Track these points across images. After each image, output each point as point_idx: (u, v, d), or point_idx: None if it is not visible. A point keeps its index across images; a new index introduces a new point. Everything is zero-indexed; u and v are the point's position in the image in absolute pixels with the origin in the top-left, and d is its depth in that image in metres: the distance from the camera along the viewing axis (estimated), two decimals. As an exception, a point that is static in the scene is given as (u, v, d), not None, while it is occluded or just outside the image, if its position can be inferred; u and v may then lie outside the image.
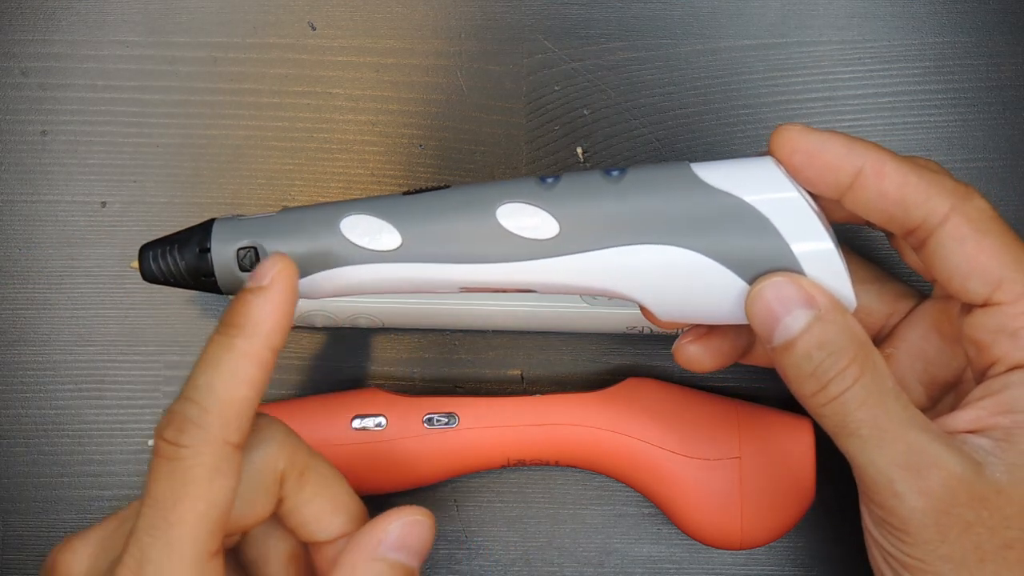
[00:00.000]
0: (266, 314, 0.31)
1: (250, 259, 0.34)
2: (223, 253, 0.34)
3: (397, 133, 0.44)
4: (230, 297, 0.35)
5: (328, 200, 0.44)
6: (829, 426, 0.32)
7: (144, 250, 0.35)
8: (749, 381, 0.44)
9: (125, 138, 0.44)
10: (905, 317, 0.37)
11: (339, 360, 0.44)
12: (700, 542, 0.41)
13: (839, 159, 0.32)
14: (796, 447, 0.40)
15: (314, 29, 0.45)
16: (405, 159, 0.44)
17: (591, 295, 0.35)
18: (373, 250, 0.34)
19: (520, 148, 0.44)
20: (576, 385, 0.44)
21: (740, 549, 0.40)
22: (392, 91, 0.44)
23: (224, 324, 0.31)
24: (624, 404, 0.41)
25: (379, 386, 0.43)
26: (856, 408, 0.31)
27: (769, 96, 0.44)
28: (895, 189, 0.32)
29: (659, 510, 0.42)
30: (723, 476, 0.40)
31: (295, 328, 0.43)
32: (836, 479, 0.43)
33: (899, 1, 0.44)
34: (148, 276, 0.35)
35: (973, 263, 0.31)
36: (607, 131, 0.44)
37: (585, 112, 0.44)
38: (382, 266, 0.34)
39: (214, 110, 0.44)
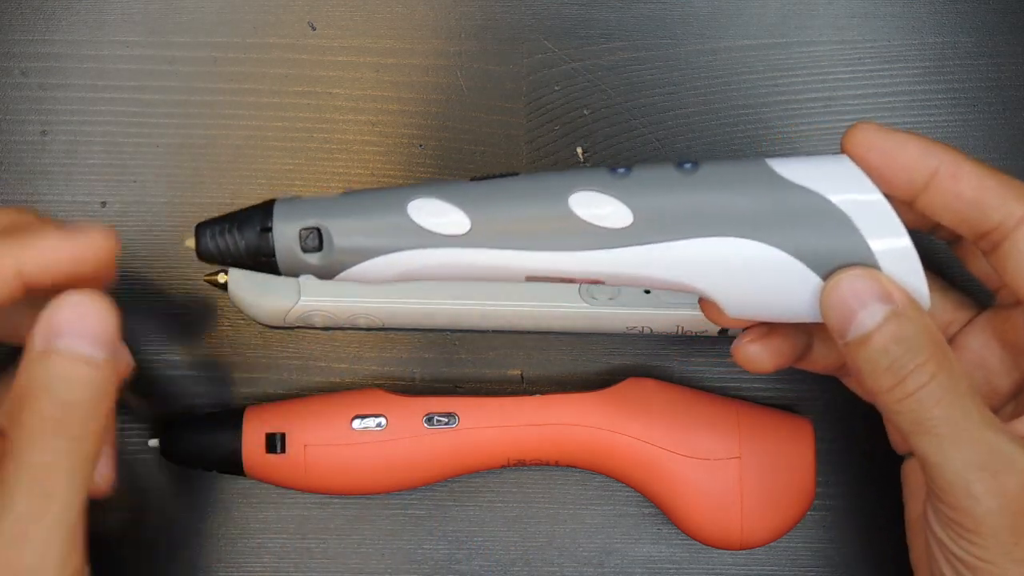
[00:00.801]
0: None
1: (313, 240, 0.34)
2: (285, 233, 0.34)
3: (397, 133, 0.44)
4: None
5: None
6: (904, 423, 0.32)
7: (201, 228, 0.34)
8: (749, 381, 0.44)
9: (125, 138, 0.44)
10: (965, 326, 0.37)
11: (339, 360, 0.44)
12: (700, 542, 0.41)
13: (916, 159, 0.32)
14: (796, 447, 0.40)
15: (314, 29, 0.45)
16: (405, 159, 0.44)
17: (660, 289, 0.35)
18: (442, 234, 0.33)
19: (520, 148, 0.44)
20: (576, 385, 0.44)
21: (740, 549, 0.40)
22: (392, 91, 0.44)
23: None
24: (624, 404, 0.41)
25: (379, 386, 0.43)
26: (933, 405, 0.31)
27: (769, 96, 0.44)
28: (971, 191, 0.32)
29: (659, 510, 0.42)
30: (723, 476, 0.40)
31: (295, 328, 0.43)
32: (836, 479, 0.43)
33: (899, 1, 0.44)
34: (204, 255, 0.34)
35: None
36: (607, 131, 0.44)
37: (585, 112, 0.44)
38: (450, 251, 0.33)
39: (214, 110, 0.44)
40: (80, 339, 0.31)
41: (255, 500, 0.44)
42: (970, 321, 0.37)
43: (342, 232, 0.33)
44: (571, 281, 0.34)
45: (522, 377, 0.44)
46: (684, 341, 0.44)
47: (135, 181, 0.44)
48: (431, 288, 0.41)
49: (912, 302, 0.32)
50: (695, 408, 0.41)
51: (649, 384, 0.42)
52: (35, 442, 0.30)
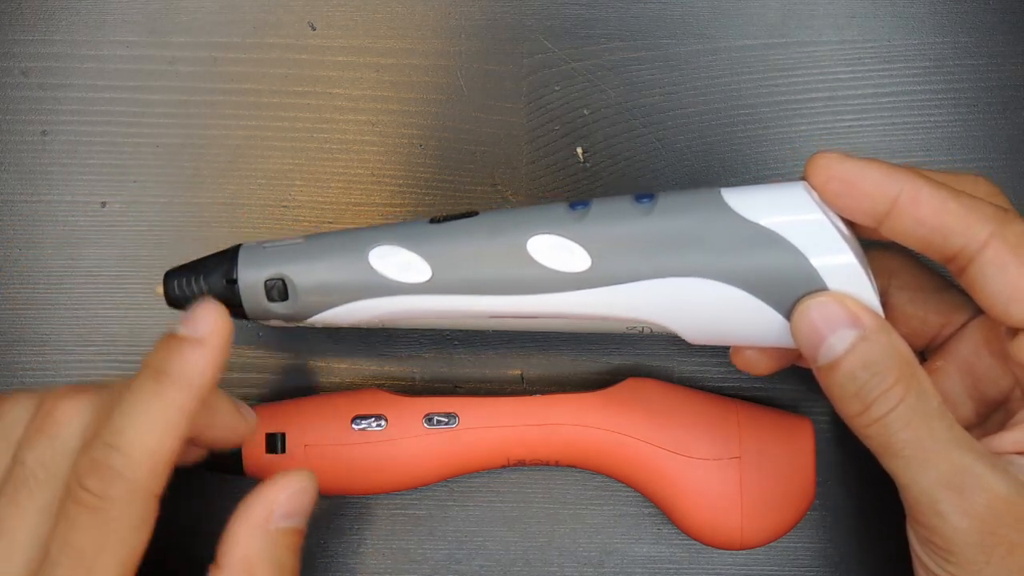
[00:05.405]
0: (201, 368, 0.31)
1: (278, 290, 0.34)
2: (251, 284, 0.35)
3: (397, 133, 0.44)
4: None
5: (330, 201, 0.44)
6: (873, 446, 0.32)
7: (169, 277, 0.35)
8: (749, 381, 0.44)
9: (125, 138, 0.44)
10: (958, 330, 0.37)
11: (339, 360, 0.44)
12: (700, 542, 0.41)
13: (875, 187, 0.32)
14: (796, 447, 0.40)
15: (314, 29, 0.45)
16: (405, 159, 0.44)
17: (621, 323, 0.35)
18: (404, 282, 0.34)
19: (520, 148, 0.44)
20: (576, 385, 0.44)
21: (740, 549, 0.40)
22: (392, 91, 0.44)
23: (154, 369, 0.31)
24: (624, 404, 0.41)
25: (379, 386, 0.43)
26: (900, 429, 0.31)
27: (769, 96, 0.44)
28: (933, 216, 0.32)
29: (659, 510, 0.42)
30: (723, 476, 0.40)
31: (295, 327, 0.43)
32: (836, 479, 0.43)
33: (899, 1, 0.44)
34: (173, 302, 0.35)
35: (1015, 288, 0.31)
36: (607, 131, 0.44)
37: (585, 112, 0.44)
38: (412, 298, 0.34)
39: (214, 110, 0.44)
40: (295, 518, 0.33)
41: (255, 500, 0.44)
42: (964, 325, 0.37)
43: (306, 283, 0.34)
44: (533, 319, 0.34)
45: (522, 377, 0.44)
46: (684, 341, 0.44)
47: (135, 181, 0.44)
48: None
49: (880, 325, 0.32)
50: (695, 408, 0.41)
51: (649, 384, 0.42)
52: None
